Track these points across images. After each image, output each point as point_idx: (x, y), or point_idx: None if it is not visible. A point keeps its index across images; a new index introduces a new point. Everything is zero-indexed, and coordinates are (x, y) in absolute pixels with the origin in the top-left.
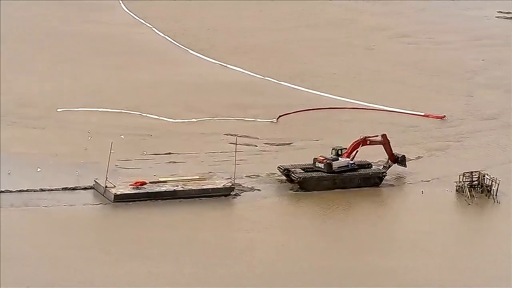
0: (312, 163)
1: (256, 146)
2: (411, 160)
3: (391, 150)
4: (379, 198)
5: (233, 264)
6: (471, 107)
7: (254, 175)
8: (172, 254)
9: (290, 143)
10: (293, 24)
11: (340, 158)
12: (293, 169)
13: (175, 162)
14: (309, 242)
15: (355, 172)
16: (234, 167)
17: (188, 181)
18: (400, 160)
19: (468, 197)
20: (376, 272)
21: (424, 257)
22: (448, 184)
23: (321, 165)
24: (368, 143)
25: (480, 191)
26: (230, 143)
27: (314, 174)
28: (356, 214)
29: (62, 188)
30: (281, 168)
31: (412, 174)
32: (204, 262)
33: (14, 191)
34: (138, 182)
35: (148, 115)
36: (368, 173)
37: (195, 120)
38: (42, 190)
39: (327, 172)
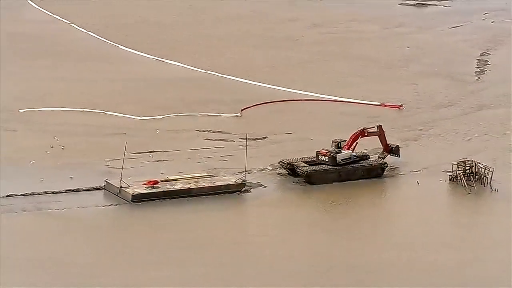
0: (315, 156)
1: (234, 141)
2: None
3: (386, 141)
4: (384, 190)
5: (258, 264)
6: (421, 95)
7: (247, 170)
8: (195, 256)
9: (265, 137)
10: (202, 19)
11: (342, 151)
12: (296, 163)
13: (163, 160)
14: (327, 238)
15: (358, 164)
16: (245, 163)
17: (198, 179)
18: (394, 151)
19: (465, 187)
20: (389, 268)
21: (435, 251)
22: (437, 173)
23: (325, 158)
24: (366, 134)
25: (475, 179)
26: (206, 139)
27: (319, 167)
28: (366, 207)
29: (66, 190)
30: (284, 163)
31: (400, 165)
32: (230, 263)
33: (19, 195)
34: (152, 181)
35: (113, 113)
36: (371, 165)
37: (161, 117)
38: (46, 193)
39: (331, 165)
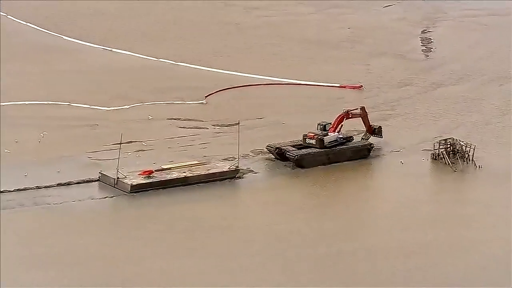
0: (302, 139)
1: (208, 128)
2: (363, 132)
3: (369, 122)
4: (372, 171)
5: (263, 251)
6: (377, 75)
7: (230, 157)
8: (202, 245)
9: (237, 123)
10: (138, 7)
11: (329, 133)
12: (285, 147)
13: (143, 150)
14: (324, 222)
15: (345, 146)
16: (238, 149)
17: (191, 167)
18: (377, 132)
19: (450, 165)
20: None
21: (434, 230)
22: (416, 152)
23: (313, 141)
24: (350, 116)
25: (457, 157)
26: (180, 127)
27: (309, 150)
28: (359, 189)
29: (57, 184)
30: (271, 147)
31: (378, 145)
32: (238, 252)
33: (12, 191)
34: (147, 171)
35: (79, 105)
36: (358, 146)
37: (128, 106)
38: (38, 187)
39: (319, 148)
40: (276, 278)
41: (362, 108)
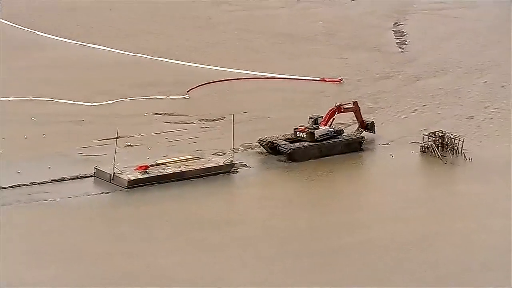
0: (293, 133)
1: (194, 123)
2: (350, 125)
3: (362, 117)
4: (364, 164)
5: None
6: (355, 68)
7: (220, 152)
8: (202, 240)
9: (223, 118)
10: (101, 3)
11: (320, 127)
12: (277, 141)
13: (132, 146)
14: (320, 216)
15: (337, 139)
16: (232, 143)
17: (186, 161)
18: (369, 127)
19: (440, 157)
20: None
21: (429, 223)
22: (405, 145)
23: (303, 135)
24: (342, 110)
25: (447, 149)
26: (166, 122)
27: (301, 144)
28: (353, 183)
29: (51, 180)
30: (263, 141)
31: (366, 138)
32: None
33: (7, 187)
34: (142, 166)
35: (62, 100)
36: (349, 139)
37: (111, 102)
38: (32, 184)
39: (309, 141)
40: (272, 275)
41: (355, 103)
